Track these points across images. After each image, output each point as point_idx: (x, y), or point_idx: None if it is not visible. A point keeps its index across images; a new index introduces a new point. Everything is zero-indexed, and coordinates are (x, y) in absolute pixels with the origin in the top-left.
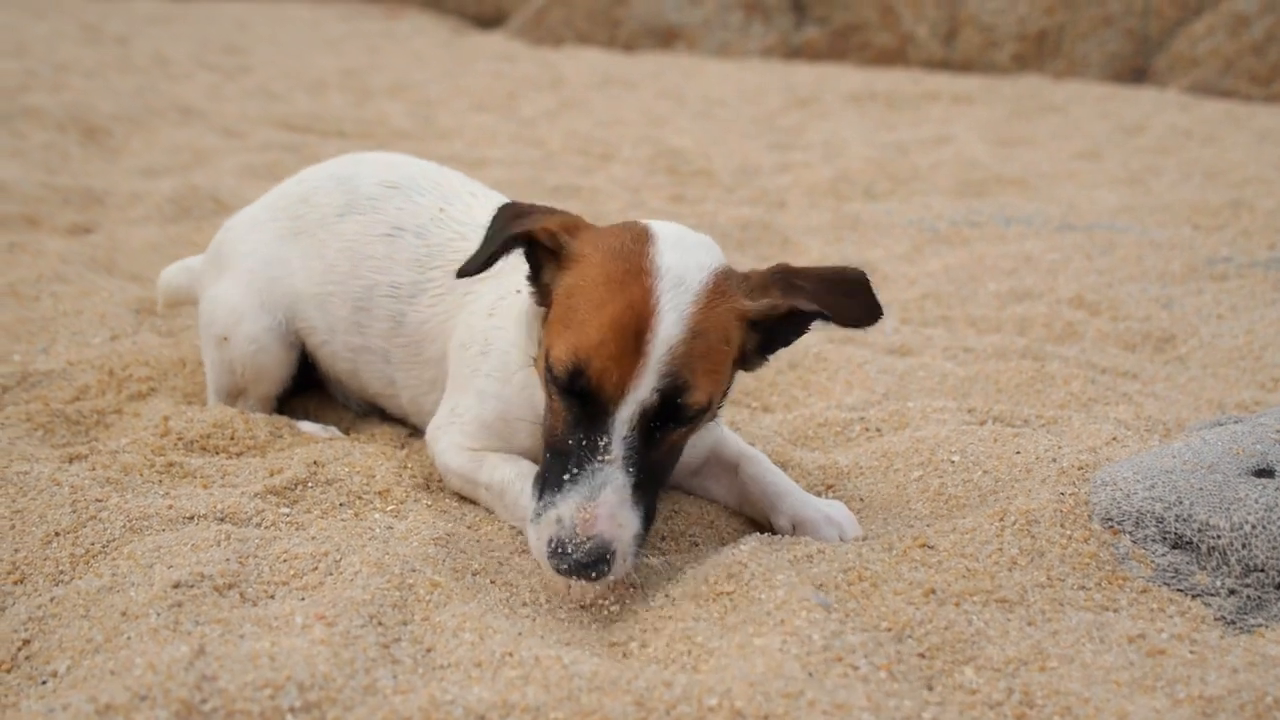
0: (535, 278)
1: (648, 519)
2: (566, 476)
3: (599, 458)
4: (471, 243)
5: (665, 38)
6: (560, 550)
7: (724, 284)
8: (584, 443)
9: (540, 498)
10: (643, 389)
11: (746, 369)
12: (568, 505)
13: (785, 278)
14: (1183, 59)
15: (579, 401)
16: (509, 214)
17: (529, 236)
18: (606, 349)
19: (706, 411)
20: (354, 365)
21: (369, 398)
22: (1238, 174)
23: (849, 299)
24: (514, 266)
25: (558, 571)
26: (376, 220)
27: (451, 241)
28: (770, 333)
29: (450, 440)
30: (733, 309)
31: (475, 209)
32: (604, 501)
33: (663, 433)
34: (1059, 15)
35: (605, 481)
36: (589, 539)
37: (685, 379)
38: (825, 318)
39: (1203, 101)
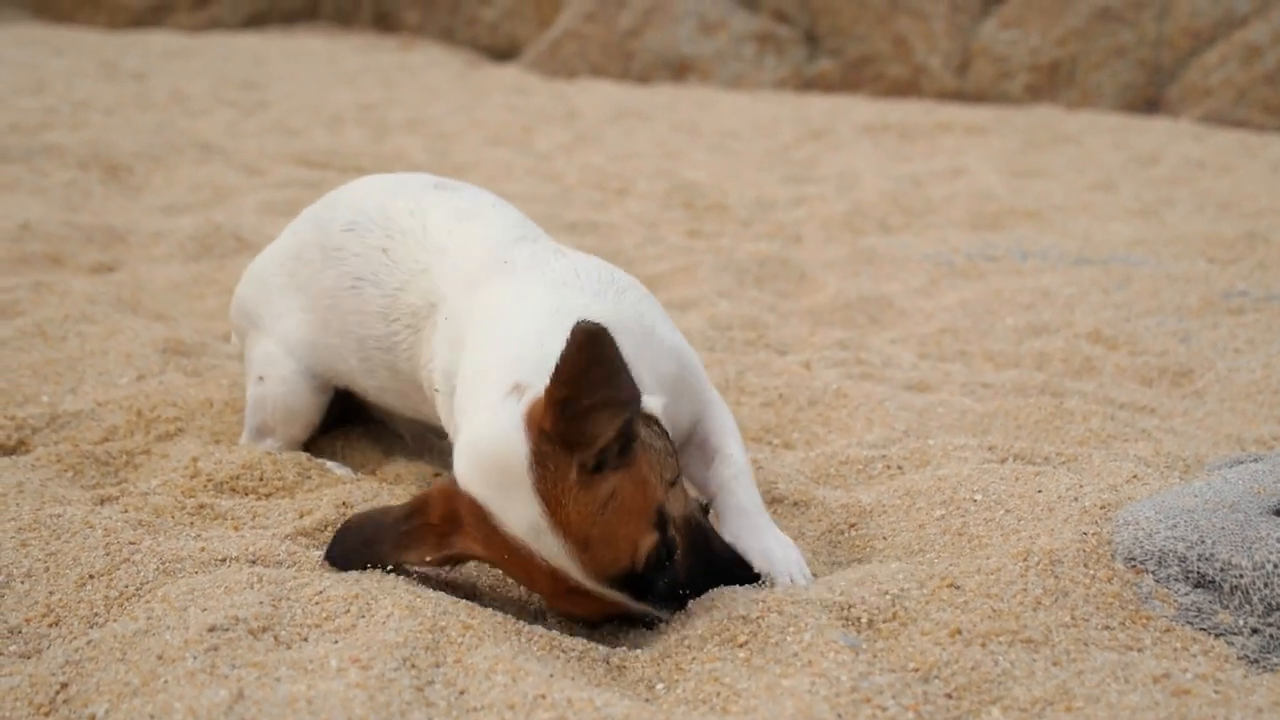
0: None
1: None
2: None
3: (652, 617)
4: (412, 295)
5: (679, 70)
6: None
7: (547, 468)
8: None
9: None
10: (613, 594)
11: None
12: None
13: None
14: (1195, 89)
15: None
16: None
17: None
18: (567, 605)
19: (666, 523)
20: (380, 398)
21: (409, 420)
22: (1252, 205)
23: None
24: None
25: None
26: (343, 273)
27: (398, 292)
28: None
29: None
30: (571, 486)
31: (409, 242)
32: None
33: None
34: (1071, 46)
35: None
36: None
37: (617, 569)
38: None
39: (1216, 132)
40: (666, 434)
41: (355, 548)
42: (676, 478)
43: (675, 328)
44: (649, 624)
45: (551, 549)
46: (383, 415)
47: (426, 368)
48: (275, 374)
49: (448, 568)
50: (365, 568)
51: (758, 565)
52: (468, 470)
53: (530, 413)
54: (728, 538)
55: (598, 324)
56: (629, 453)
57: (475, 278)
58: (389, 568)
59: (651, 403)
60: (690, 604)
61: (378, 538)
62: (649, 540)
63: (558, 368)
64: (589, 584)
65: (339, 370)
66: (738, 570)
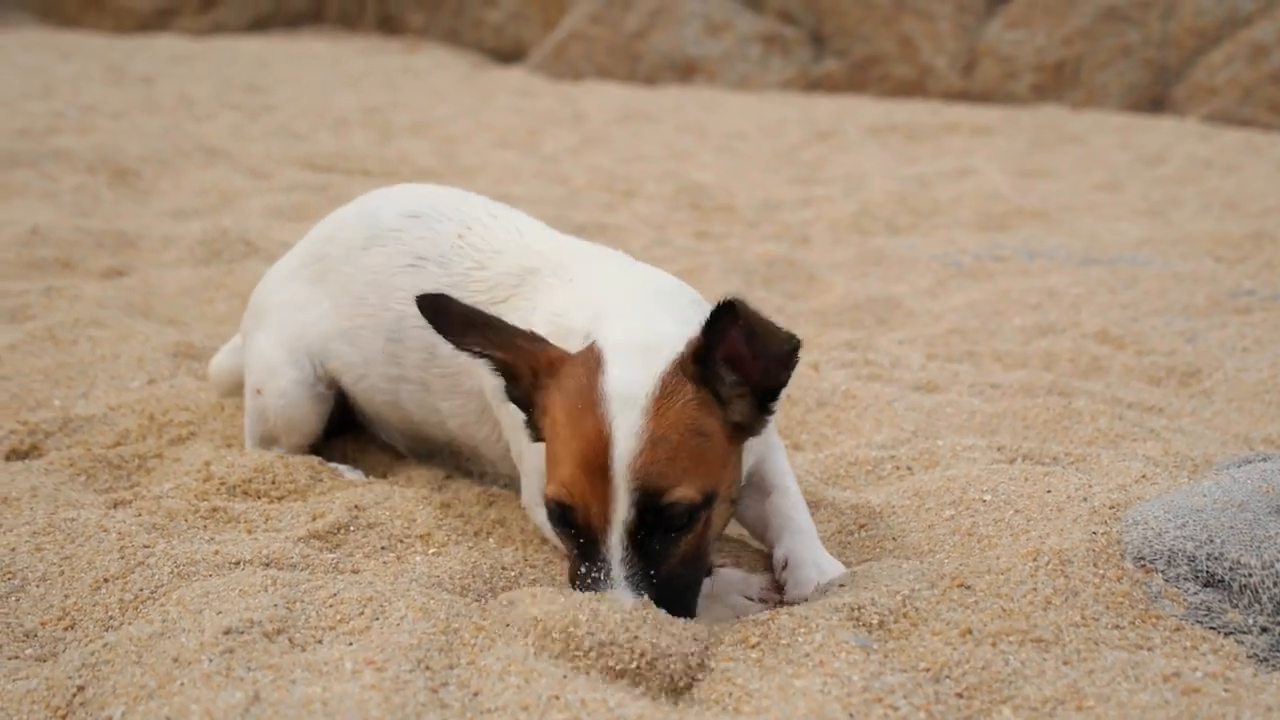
0: (522, 403)
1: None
2: None
3: (603, 586)
4: (490, 271)
5: (685, 71)
6: None
7: (673, 382)
8: (588, 573)
9: None
10: (620, 511)
11: (753, 434)
12: None
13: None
14: (1201, 88)
15: (573, 536)
16: (461, 320)
17: (507, 367)
18: (579, 486)
19: (706, 506)
20: (394, 396)
21: (414, 427)
22: (1258, 204)
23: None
24: (529, 300)
25: None
26: (400, 251)
27: (471, 271)
28: (757, 391)
29: (540, 518)
30: (688, 403)
31: (495, 232)
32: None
33: (665, 544)
34: (1077, 46)
35: (618, 603)
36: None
37: (658, 486)
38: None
39: (1222, 131)
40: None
41: (452, 319)
42: (734, 500)
43: None
44: (590, 583)
45: (627, 424)
46: (378, 426)
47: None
48: (273, 386)
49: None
50: (449, 336)
51: (805, 572)
52: (603, 330)
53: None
54: (780, 553)
55: (738, 298)
56: (736, 439)
57: (592, 255)
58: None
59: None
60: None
61: (479, 328)
62: (691, 491)
63: (711, 327)
64: (621, 480)
65: (350, 362)
66: (688, 601)
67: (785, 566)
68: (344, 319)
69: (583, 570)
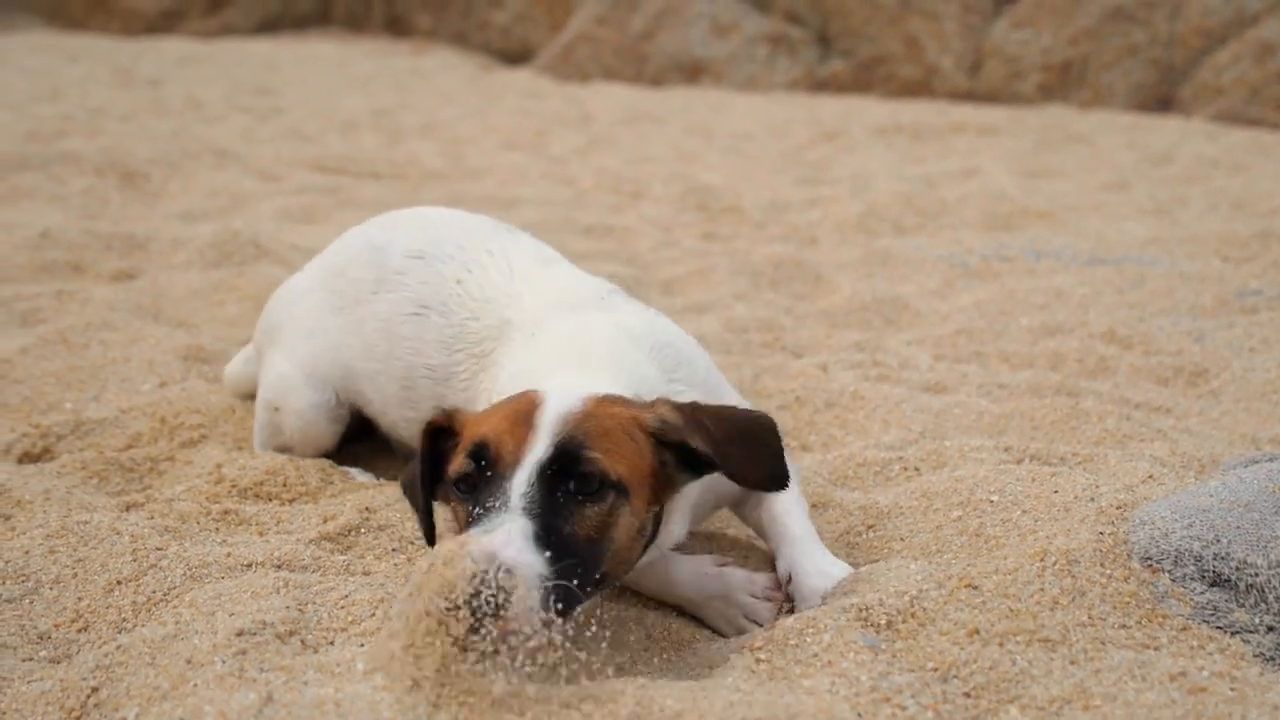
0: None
1: (564, 577)
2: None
3: (496, 511)
4: (481, 323)
5: (692, 72)
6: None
7: (615, 398)
8: (484, 505)
9: None
10: (537, 450)
11: (671, 485)
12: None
13: (692, 412)
14: (1208, 88)
15: (480, 481)
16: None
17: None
18: (498, 429)
19: (621, 495)
20: (414, 432)
21: None
22: (1265, 204)
23: (749, 453)
24: (501, 359)
25: (452, 599)
26: (404, 298)
27: (467, 322)
28: (687, 456)
29: None
30: (625, 412)
31: (491, 274)
32: (498, 534)
33: (570, 503)
34: (1083, 45)
35: (501, 523)
36: (489, 563)
37: (580, 440)
38: (715, 466)
39: (1229, 130)
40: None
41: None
42: (646, 534)
43: (725, 383)
44: (484, 512)
45: (562, 400)
46: (394, 443)
47: (488, 391)
48: (291, 406)
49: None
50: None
51: (812, 582)
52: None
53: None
54: (783, 567)
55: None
56: (661, 475)
57: (576, 305)
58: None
59: (679, 532)
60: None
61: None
62: (608, 462)
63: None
64: (544, 428)
65: (369, 398)
66: (580, 582)
67: (790, 581)
68: (359, 360)
69: (475, 510)
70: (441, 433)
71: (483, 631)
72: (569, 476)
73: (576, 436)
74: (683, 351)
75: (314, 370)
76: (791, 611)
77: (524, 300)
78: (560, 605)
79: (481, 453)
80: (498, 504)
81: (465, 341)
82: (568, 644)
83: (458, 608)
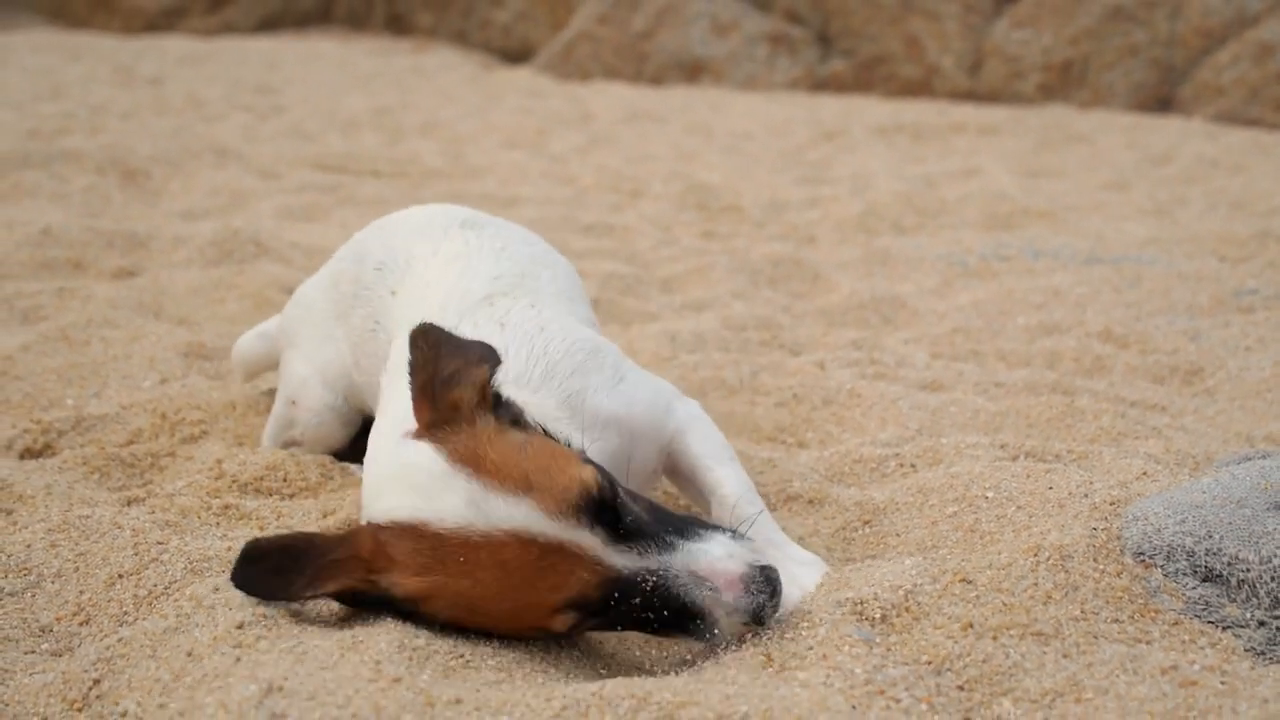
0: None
1: None
2: None
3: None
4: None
5: (692, 71)
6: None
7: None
8: None
9: None
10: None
11: None
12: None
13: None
14: (1208, 88)
15: None
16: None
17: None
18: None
19: None
20: None
21: None
22: (1264, 204)
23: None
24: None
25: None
26: (366, 314)
27: (394, 338)
28: None
29: None
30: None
31: (419, 289)
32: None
33: None
34: (1084, 45)
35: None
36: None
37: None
38: None
39: (1229, 130)
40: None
41: (264, 576)
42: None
43: (621, 382)
44: (689, 618)
45: (500, 510)
46: None
47: None
48: (307, 404)
49: (360, 604)
50: (272, 599)
51: (792, 593)
52: (387, 500)
53: (411, 431)
54: None
55: (425, 322)
56: (523, 425)
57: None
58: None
59: (573, 439)
60: None
61: (295, 568)
62: (587, 469)
63: (410, 375)
64: (559, 528)
65: (369, 405)
66: (676, 514)
67: None
68: (351, 369)
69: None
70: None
71: None
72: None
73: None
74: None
75: (326, 375)
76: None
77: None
78: None
79: None
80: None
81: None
82: None
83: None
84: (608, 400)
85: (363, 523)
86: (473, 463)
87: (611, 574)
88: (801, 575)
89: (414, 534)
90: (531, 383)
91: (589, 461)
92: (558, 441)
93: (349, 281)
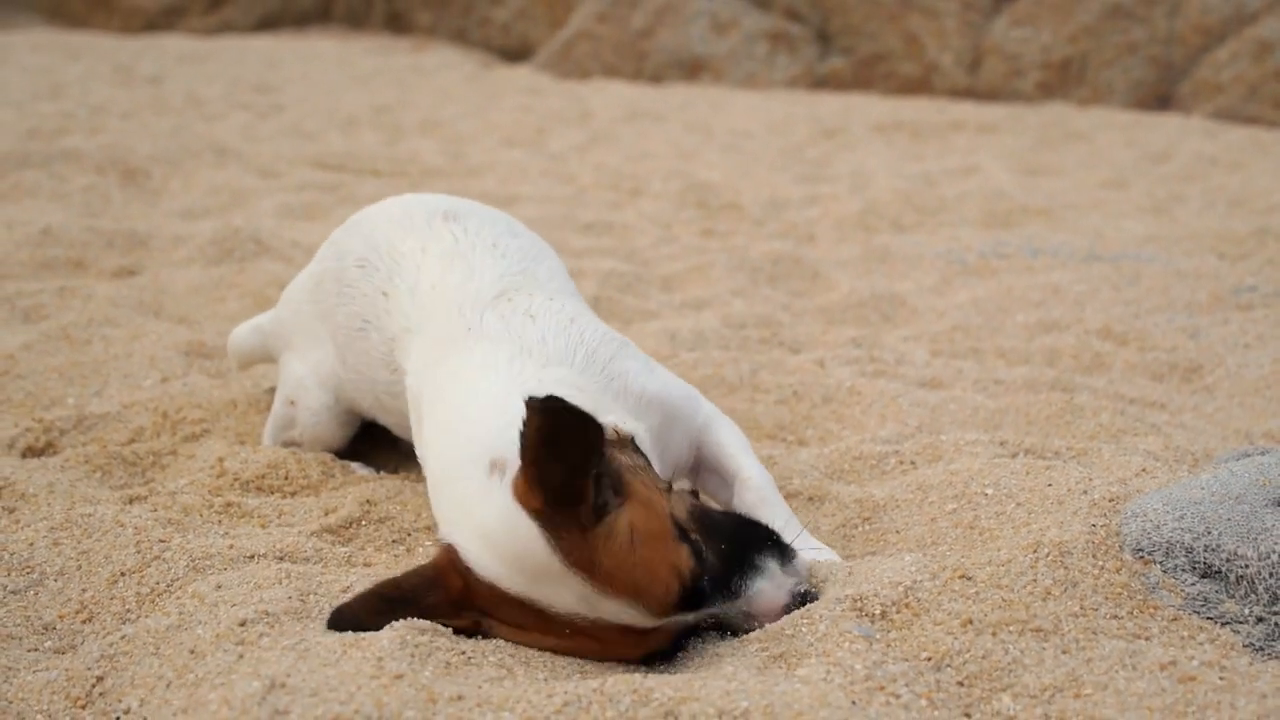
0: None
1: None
2: None
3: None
4: (399, 349)
5: (691, 69)
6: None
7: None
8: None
9: None
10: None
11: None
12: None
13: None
14: (1207, 85)
15: None
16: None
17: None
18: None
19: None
20: (405, 434)
21: None
22: (1263, 201)
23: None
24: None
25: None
26: (353, 312)
27: (393, 341)
28: None
29: None
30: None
31: (412, 292)
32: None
33: None
34: (1083, 43)
35: None
36: None
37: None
38: None
39: (1227, 128)
40: (641, 451)
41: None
42: (668, 484)
43: (654, 369)
44: (722, 627)
45: (610, 609)
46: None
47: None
48: (306, 404)
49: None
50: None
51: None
52: (492, 565)
53: (517, 494)
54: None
55: (546, 396)
56: (622, 486)
57: (441, 347)
58: None
59: (625, 425)
60: None
61: (399, 613)
62: (683, 555)
63: (522, 449)
64: (655, 623)
65: (362, 406)
66: (752, 529)
67: None
68: (338, 368)
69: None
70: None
71: None
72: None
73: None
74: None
75: (319, 375)
76: None
77: (417, 336)
78: None
79: None
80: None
81: (396, 359)
82: None
83: None
84: (649, 382)
85: (444, 541)
86: (587, 568)
87: (684, 626)
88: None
89: (520, 605)
90: (576, 365)
91: (684, 538)
92: (657, 481)
93: (332, 280)
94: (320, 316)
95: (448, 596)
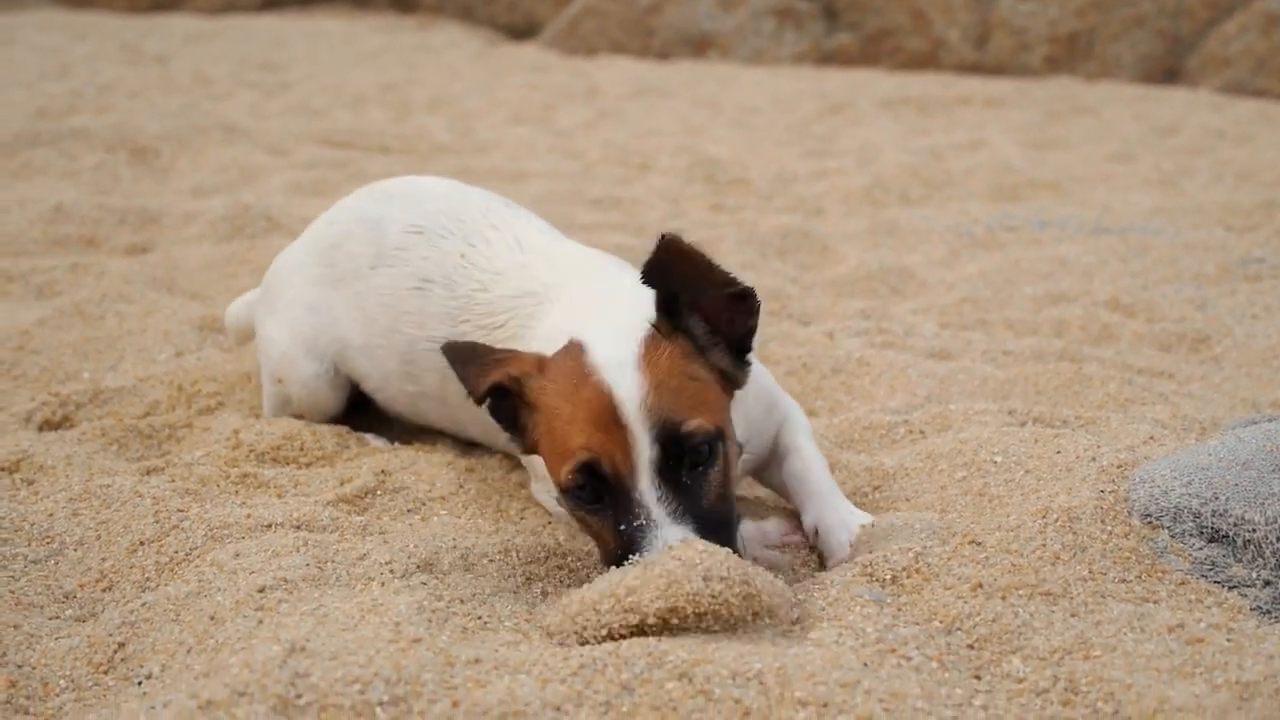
0: (511, 423)
1: (726, 544)
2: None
3: (650, 531)
4: (491, 294)
5: (698, 46)
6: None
7: (653, 341)
8: (629, 526)
9: None
10: (644, 450)
11: (737, 384)
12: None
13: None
14: (1214, 59)
15: (603, 501)
16: (462, 358)
17: (498, 388)
18: (597, 440)
19: (721, 439)
20: (414, 408)
21: (436, 427)
22: (1270, 174)
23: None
24: (524, 325)
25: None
26: (406, 273)
27: (475, 293)
28: (730, 341)
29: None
30: (673, 354)
31: (497, 249)
32: (677, 556)
33: (694, 480)
34: (1090, 17)
35: (667, 540)
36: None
37: (673, 419)
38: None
39: (1235, 101)
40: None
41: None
42: (740, 449)
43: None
44: (634, 533)
45: (625, 379)
46: (392, 416)
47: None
48: (295, 377)
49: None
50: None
51: (838, 536)
52: (593, 339)
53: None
54: (809, 522)
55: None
56: (726, 388)
57: (585, 272)
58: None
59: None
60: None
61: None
62: (707, 421)
63: (649, 271)
64: (636, 422)
65: (366, 373)
66: (732, 544)
67: (817, 534)
68: (358, 335)
69: (622, 528)
70: (504, 391)
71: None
72: (682, 459)
73: (667, 417)
74: None
75: (314, 344)
76: (821, 563)
77: (540, 274)
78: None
79: (592, 470)
80: (641, 518)
81: (473, 313)
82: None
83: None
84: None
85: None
86: (655, 369)
87: (635, 490)
88: (851, 520)
89: (572, 374)
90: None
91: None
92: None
93: (361, 243)
94: (339, 280)
95: (509, 364)
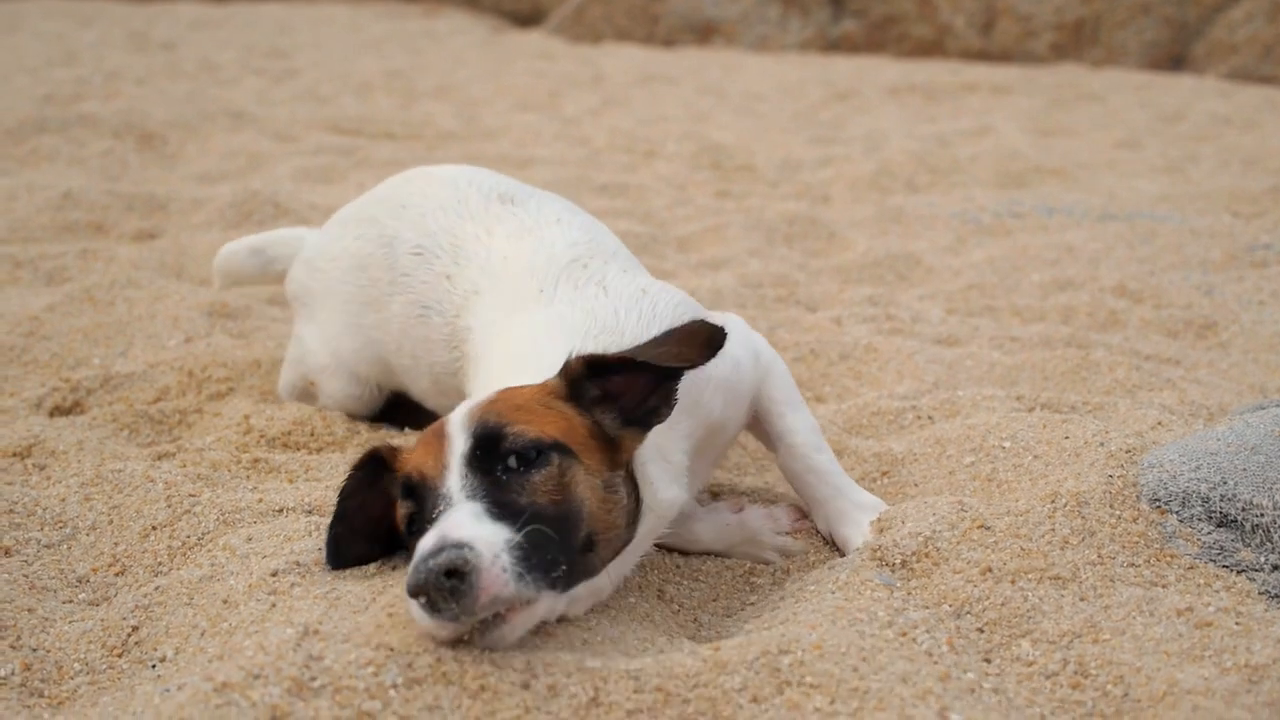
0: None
1: (536, 542)
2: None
3: (439, 510)
4: (466, 320)
5: (704, 33)
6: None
7: (524, 386)
8: (425, 518)
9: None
10: (457, 448)
11: (619, 446)
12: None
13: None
14: (1221, 45)
15: (417, 511)
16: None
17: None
18: (420, 455)
19: (561, 452)
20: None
21: None
22: (1277, 160)
23: (674, 342)
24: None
25: (417, 596)
26: (411, 300)
27: (456, 319)
28: (625, 409)
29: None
30: (532, 389)
31: (474, 268)
32: (442, 522)
33: (513, 476)
34: (1096, 4)
35: (456, 517)
36: (439, 550)
37: (495, 421)
38: (646, 366)
39: (1241, 88)
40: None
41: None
42: (615, 492)
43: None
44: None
45: (467, 407)
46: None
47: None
48: (329, 387)
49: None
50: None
51: (854, 536)
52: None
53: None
54: (822, 526)
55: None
56: (605, 439)
57: (514, 305)
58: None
59: (669, 495)
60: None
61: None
62: (543, 432)
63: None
64: (457, 429)
65: (410, 388)
66: (566, 556)
67: (831, 537)
68: (394, 356)
69: (429, 524)
70: (380, 462)
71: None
72: (500, 456)
73: (490, 419)
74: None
75: (355, 370)
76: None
77: (500, 301)
78: (554, 575)
79: (411, 484)
80: (441, 508)
81: (458, 339)
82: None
83: (426, 594)
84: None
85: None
86: (505, 395)
87: (442, 487)
88: (860, 518)
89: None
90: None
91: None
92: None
93: (382, 268)
94: (368, 304)
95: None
